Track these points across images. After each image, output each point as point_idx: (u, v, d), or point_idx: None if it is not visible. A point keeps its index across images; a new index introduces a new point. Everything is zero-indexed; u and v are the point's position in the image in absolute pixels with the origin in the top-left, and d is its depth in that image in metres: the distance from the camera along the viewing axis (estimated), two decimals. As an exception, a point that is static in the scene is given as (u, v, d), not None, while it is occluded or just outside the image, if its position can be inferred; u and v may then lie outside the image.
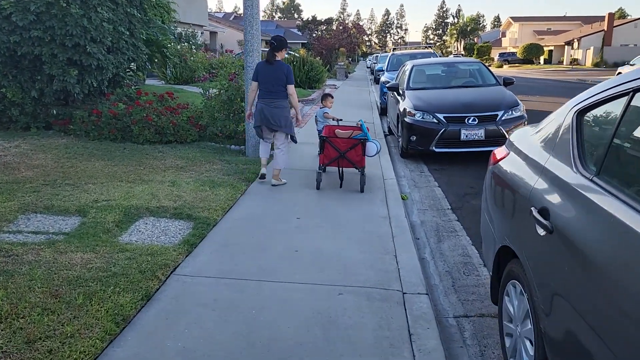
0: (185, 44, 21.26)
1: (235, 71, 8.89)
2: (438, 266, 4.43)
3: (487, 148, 8.10)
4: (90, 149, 7.26)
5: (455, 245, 4.88)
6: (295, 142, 6.68)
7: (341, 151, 6.14)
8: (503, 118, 8.15)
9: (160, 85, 16.08)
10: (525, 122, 8.29)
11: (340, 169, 6.33)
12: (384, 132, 11.93)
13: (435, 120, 8.21)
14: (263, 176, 6.33)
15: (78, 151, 7.07)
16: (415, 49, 24.06)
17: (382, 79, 15.74)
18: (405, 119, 8.54)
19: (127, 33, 8.15)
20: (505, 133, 8.02)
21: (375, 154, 6.40)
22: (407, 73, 9.84)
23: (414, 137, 8.39)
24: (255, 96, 6.24)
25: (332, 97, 8.06)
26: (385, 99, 15.14)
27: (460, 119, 8.13)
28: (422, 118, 8.33)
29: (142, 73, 15.20)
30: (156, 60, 12.62)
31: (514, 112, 8.29)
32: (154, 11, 25.45)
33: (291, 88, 6.02)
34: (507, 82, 9.44)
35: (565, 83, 31.81)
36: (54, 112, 8.04)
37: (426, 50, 17.74)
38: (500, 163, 3.18)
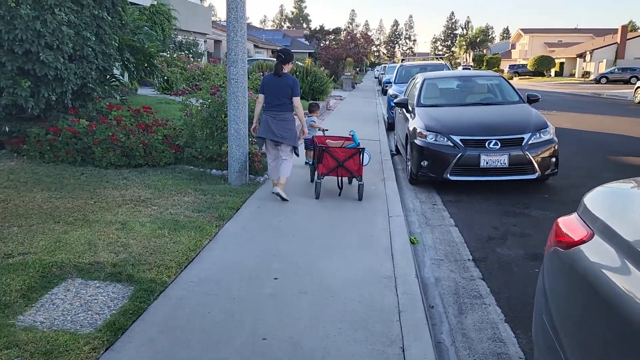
0: (183, 52, 20.23)
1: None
2: (461, 357, 3.23)
3: (511, 177, 6.92)
4: (40, 174, 6.13)
5: (482, 321, 3.67)
6: (297, 155, 6.44)
7: (340, 160, 6.23)
8: (530, 142, 6.94)
9: (153, 95, 15.01)
10: (556, 147, 7.10)
11: (340, 178, 6.46)
12: (391, 151, 10.75)
13: (451, 144, 7.02)
14: (277, 193, 6.07)
15: (23, 177, 5.93)
16: (425, 59, 22.90)
17: (390, 91, 14.58)
18: (416, 141, 7.36)
19: (94, 38, 7.03)
20: (533, 159, 6.82)
21: (367, 163, 6.52)
22: (418, 87, 8.67)
23: (425, 163, 7.20)
24: (261, 109, 6.16)
25: (319, 106, 8.13)
26: (392, 113, 13.98)
27: (479, 142, 6.94)
28: (435, 140, 7.15)
29: (131, 83, 14.21)
30: (144, 69, 11.52)
31: (542, 134, 7.09)
32: (155, 18, 24.53)
33: (297, 100, 5.97)
34: (532, 99, 8.24)
35: (580, 97, 30.55)
36: (6, 129, 6.92)
37: (437, 61, 16.61)
38: (577, 250, 1.96)
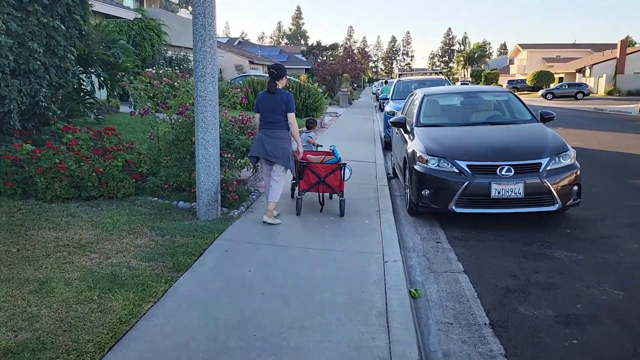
0: (169, 69, 19.34)
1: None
2: None
3: (527, 209, 5.94)
4: (-35, 211, 5.14)
5: None
6: (294, 176, 6.31)
7: (321, 176, 6.17)
8: (548, 168, 5.97)
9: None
10: (578, 173, 6.13)
11: (321, 194, 6.43)
12: (388, 174, 9.77)
13: (456, 170, 6.04)
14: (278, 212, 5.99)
15: (-58, 216, 4.94)
16: (424, 74, 21.94)
17: (387, 108, 13.66)
18: (415, 167, 6.38)
19: (42, 50, 6.07)
20: (552, 188, 5.85)
21: (348, 178, 6.44)
22: (417, 104, 7.71)
23: (427, 192, 6.21)
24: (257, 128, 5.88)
25: (317, 123, 7.97)
26: (389, 131, 13.04)
27: (489, 168, 5.96)
28: (438, 166, 6.17)
29: (109, 100, 13.26)
30: (119, 85, 10.59)
31: (562, 159, 6.12)
32: (144, 33, 23.58)
33: (291, 116, 5.70)
34: (546, 118, 7.29)
35: (582, 112, 29.72)
36: None
37: (437, 76, 15.70)
38: None
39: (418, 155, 6.43)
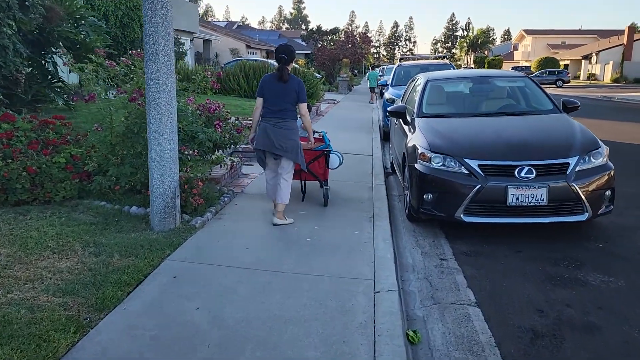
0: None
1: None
2: None
3: (551, 219, 4.93)
4: None
5: None
6: (306, 171, 5.67)
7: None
8: (577, 169, 4.93)
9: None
10: (612, 174, 5.10)
11: (303, 181, 6.11)
12: (385, 169, 8.75)
13: (465, 171, 5.01)
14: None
15: None
16: (427, 59, 20.50)
17: (386, 95, 12.57)
18: (417, 166, 5.35)
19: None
20: (581, 194, 4.82)
21: (337, 167, 6.17)
22: (419, 91, 6.64)
23: (430, 196, 5.19)
24: (260, 115, 5.15)
25: (310, 108, 7.29)
26: (389, 120, 11.98)
27: (506, 169, 4.93)
28: (444, 166, 5.14)
29: (81, 84, 12.17)
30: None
31: (593, 158, 5.08)
32: (132, 14, 22.45)
33: (303, 107, 5.15)
34: (570, 107, 6.23)
35: (591, 100, 28.52)
36: None
37: (441, 61, 14.55)
38: None
39: (420, 151, 5.39)
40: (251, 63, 18.28)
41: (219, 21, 78.15)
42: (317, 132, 6.70)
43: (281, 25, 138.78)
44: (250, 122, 5.54)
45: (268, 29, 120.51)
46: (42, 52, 8.83)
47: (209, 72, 5.82)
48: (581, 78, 60.92)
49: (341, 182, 7.12)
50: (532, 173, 4.86)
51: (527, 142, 5.21)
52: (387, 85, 13.83)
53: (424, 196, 5.25)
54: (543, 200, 4.81)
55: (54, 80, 9.90)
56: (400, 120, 6.78)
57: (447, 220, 5.19)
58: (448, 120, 6.00)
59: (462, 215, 5.01)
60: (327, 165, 5.91)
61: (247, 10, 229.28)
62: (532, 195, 4.81)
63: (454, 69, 13.18)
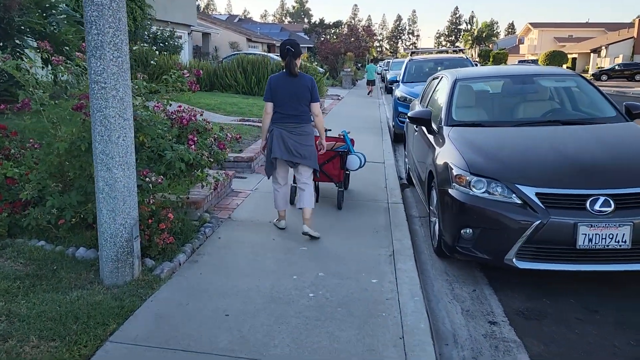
0: (146, 45, 16.98)
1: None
2: None
3: (636, 266, 3.69)
4: None
5: None
6: (318, 176, 5.46)
7: (318, 164, 4.97)
8: (669, 199, 3.70)
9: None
10: None
11: (317, 183, 5.72)
12: (400, 179, 7.53)
13: (518, 201, 3.79)
14: (282, 228, 4.89)
15: None
16: (438, 53, 18.85)
17: (397, 93, 11.32)
18: (452, 192, 4.12)
19: None
20: (675, 233, 3.58)
21: (357, 168, 5.87)
22: (447, 93, 5.39)
23: (470, 232, 3.97)
24: (269, 121, 4.68)
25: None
26: (401, 121, 10.73)
27: (575, 200, 3.70)
28: (488, 193, 3.91)
29: (56, 82, 10.96)
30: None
31: (685, 184, 3.84)
32: (126, 7, 21.27)
33: (317, 107, 4.68)
34: (636, 113, 4.99)
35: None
36: None
37: (456, 55, 13.22)
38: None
39: (455, 172, 4.15)
40: (250, 57, 17.02)
41: (220, 14, 76.67)
42: (327, 130, 6.26)
43: (283, 18, 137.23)
44: (249, 124, 4.48)
45: (270, 22, 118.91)
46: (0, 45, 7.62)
47: (185, 71, 4.58)
48: (589, 72, 59.46)
49: (352, 202, 5.90)
50: (609, 205, 3.63)
51: (599, 162, 3.97)
52: (397, 81, 12.56)
53: (462, 232, 4.03)
54: (625, 242, 3.58)
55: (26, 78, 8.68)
56: (423, 128, 5.54)
57: (494, 264, 3.98)
58: (486, 131, 4.76)
59: (514, 259, 3.79)
60: (342, 167, 5.53)
61: (249, 4, 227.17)
62: (611, 236, 3.58)
63: (472, 64, 11.90)
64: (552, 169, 3.91)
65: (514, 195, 3.82)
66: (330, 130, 6.69)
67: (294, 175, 4.98)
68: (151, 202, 3.69)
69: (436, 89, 6.24)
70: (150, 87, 4.47)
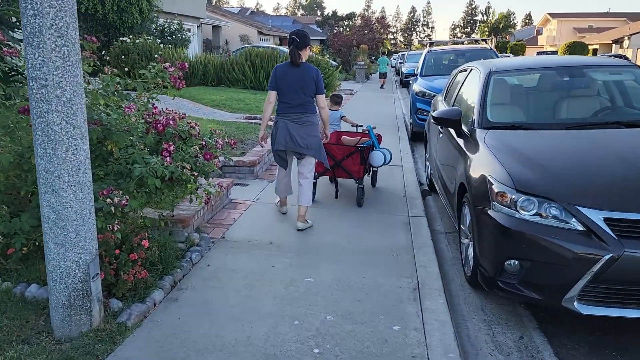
0: (150, 38, 16.28)
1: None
2: None
3: None
4: None
5: None
6: (327, 167, 5.17)
7: (337, 159, 5.33)
8: None
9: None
10: None
11: (335, 178, 5.64)
12: (420, 183, 6.74)
13: (580, 227, 2.97)
14: (284, 213, 4.99)
15: None
16: (454, 44, 17.51)
17: (415, 87, 10.45)
18: (492, 213, 3.31)
19: None
20: None
21: (382, 165, 5.70)
22: (480, 89, 4.54)
23: (516, 265, 3.17)
24: (272, 110, 4.67)
25: (342, 98, 6.98)
26: (419, 118, 9.89)
27: (655, 227, 2.88)
28: (540, 216, 3.10)
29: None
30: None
31: None
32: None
33: (322, 99, 4.64)
34: None
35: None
36: None
37: (479, 46, 12.25)
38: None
39: (496, 189, 3.34)
40: (258, 50, 16.21)
41: (232, 8, 75.93)
42: (358, 126, 6.50)
43: (296, 11, 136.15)
44: (255, 122, 4.29)
45: (282, 14, 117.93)
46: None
47: (168, 64, 3.80)
48: (612, 63, 57.74)
49: (368, 215, 5.12)
50: (703, 235, 2.80)
51: (684, 177, 3.13)
52: (415, 75, 11.69)
53: (506, 264, 3.22)
54: None
55: (12, 74, 8.00)
56: (451, 130, 4.72)
57: (547, 306, 3.17)
58: (531, 135, 3.93)
59: (575, 302, 2.98)
60: (363, 163, 5.33)
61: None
62: None
63: (496, 55, 10.98)
64: (624, 186, 3.08)
65: (574, 219, 3.00)
66: (361, 126, 6.55)
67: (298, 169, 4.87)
68: (115, 229, 2.93)
69: (464, 84, 5.40)
70: (124, 84, 3.71)
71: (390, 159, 5.79)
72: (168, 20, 22.29)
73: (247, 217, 4.95)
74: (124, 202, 2.88)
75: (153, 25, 21.62)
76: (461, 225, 4.14)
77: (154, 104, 4.04)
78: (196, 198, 3.99)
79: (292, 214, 5.06)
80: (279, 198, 5.08)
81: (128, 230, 3.29)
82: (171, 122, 3.30)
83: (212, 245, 4.18)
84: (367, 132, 5.89)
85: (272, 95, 4.61)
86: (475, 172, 3.74)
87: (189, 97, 12.89)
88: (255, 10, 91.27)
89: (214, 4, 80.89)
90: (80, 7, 18.97)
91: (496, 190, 3.33)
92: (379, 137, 5.97)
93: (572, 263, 2.94)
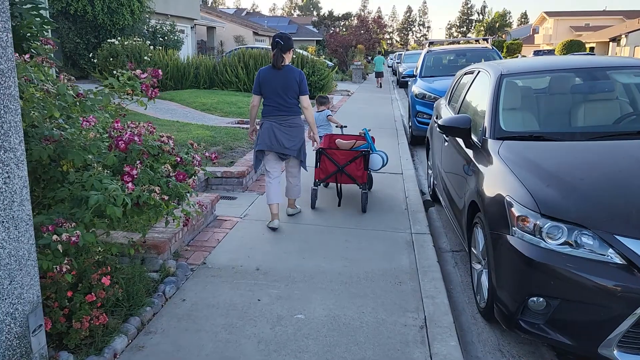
0: (139, 39, 15.77)
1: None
2: None
3: None
4: None
5: None
6: (306, 170, 5.08)
7: (339, 165, 5.19)
8: None
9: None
10: None
11: (339, 184, 5.43)
12: (422, 193, 6.28)
13: (618, 261, 2.50)
14: (274, 229, 4.71)
15: None
16: (454, 43, 16.74)
17: (415, 89, 9.97)
18: (512, 240, 2.83)
19: None
20: None
21: (380, 168, 5.66)
22: (491, 94, 4.05)
23: (542, 303, 2.69)
24: (257, 112, 4.83)
25: (329, 99, 6.86)
26: (419, 121, 9.42)
27: None
28: (570, 245, 2.62)
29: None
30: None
31: None
32: None
33: (306, 100, 4.70)
34: None
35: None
36: None
37: (480, 46, 11.78)
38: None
39: (517, 213, 2.86)
40: (252, 51, 15.72)
41: (227, 9, 75.37)
42: (343, 127, 6.41)
43: (292, 12, 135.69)
44: (247, 127, 4.23)
45: (278, 14, 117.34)
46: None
47: (139, 71, 3.31)
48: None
49: (366, 230, 4.63)
50: None
51: None
52: (414, 76, 11.21)
53: (529, 300, 2.74)
54: None
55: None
56: (460, 140, 4.24)
57: (580, 353, 2.68)
58: (552, 147, 3.44)
59: (615, 350, 2.50)
60: (366, 168, 5.20)
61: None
62: None
63: (499, 56, 10.51)
64: (672, 210, 2.60)
65: (611, 251, 2.53)
66: (346, 127, 6.47)
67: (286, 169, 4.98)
68: (64, 270, 2.43)
69: (471, 88, 4.92)
70: (95, 93, 3.22)
71: (387, 161, 5.73)
72: (160, 22, 21.78)
73: (232, 237, 4.46)
74: (74, 239, 2.39)
75: (145, 27, 21.13)
76: (472, 248, 3.66)
77: (124, 115, 3.55)
78: (173, 220, 3.49)
79: (282, 231, 4.58)
80: (270, 211, 4.75)
81: (85, 265, 2.80)
82: (136, 138, 2.82)
83: (191, 273, 3.69)
84: (362, 134, 5.81)
85: (256, 99, 4.75)
86: (489, 190, 3.25)
87: (180, 101, 12.40)
88: (252, 11, 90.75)
89: (209, 5, 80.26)
90: (69, 9, 18.45)
91: (517, 214, 2.85)
92: (372, 139, 5.85)
93: (611, 303, 2.47)
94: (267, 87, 4.60)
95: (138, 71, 3.40)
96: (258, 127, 4.84)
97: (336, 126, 6.41)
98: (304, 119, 4.84)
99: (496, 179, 3.26)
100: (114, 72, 3.45)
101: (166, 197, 2.86)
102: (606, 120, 3.83)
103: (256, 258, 4.00)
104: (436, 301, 3.41)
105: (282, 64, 4.58)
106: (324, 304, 3.31)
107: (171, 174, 3.03)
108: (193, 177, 3.35)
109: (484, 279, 3.33)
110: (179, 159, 3.30)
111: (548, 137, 3.60)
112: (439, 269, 3.95)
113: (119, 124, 2.91)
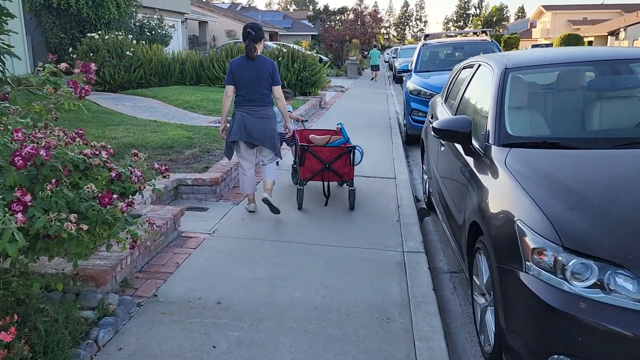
0: (121, 34, 15.08)
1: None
2: None
3: None
4: None
5: None
6: (281, 158, 5.08)
7: (326, 162, 5.04)
8: None
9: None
10: None
11: (326, 183, 5.24)
12: (416, 199, 5.69)
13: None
14: (252, 212, 4.95)
15: None
16: (452, 36, 15.92)
17: (409, 85, 9.34)
18: (525, 280, 2.22)
19: None
20: None
21: (359, 163, 5.43)
22: (495, 91, 3.43)
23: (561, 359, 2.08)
24: (230, 104, 4.77)
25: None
26: (414, 119, 8.81)
27: None
28: (602, 290, 2.00)
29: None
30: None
31: None
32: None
33: (278, 90, 4.75)
34: None
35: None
36: None
37: (479, 38, 11.15)
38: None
39: (532, 244, 2.25)
40: (240, 46, 15.05)
41: (222, 3, 74.47)
42: (304, 122, 6.32)
43: (288, 6, 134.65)
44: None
45: (273, 9, 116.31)
46: None
47: (63, 65, 2.68)
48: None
49: (351, 247, 4.01)
50: None
51: None
52: (409, 71, 10.58)
53: (550, 359, 2.13)
54: None
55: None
56: (459, 146, 3.62)
57: None
58: (572, 157, 2.83)
59: None
60: (352, 164, 5.11)
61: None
62: None
63: (498, 48, 9.88)
64: None
65: (659, 301, 1.92)
66: (306, 121, 6.47)
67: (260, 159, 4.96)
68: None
69: (470, 84, 4.30)
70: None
71: (362, 155, 5.61)
72: (148, 15, 21.06)
73: (195, 260, 3.84)
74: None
75: (132, 21, 20.40)
76: (474, 277, 3.05)
77: (56, 118, 2.93)
78: (117, 242, 2.86)
79: (255, 249, 3.96)
80: (247, 197, 5.03)
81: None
82: (42, 152, 2.19)
83: (137, 310, 3.07)
84: (339, 129, 5.73)
85: (230, 89, 4.68)
86: (495, 211, 2.65)
87: (162, 98, 11.75)
88: (248, 5, 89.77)
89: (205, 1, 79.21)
90: (52, 2, 17.74)
91: (532, 246, 2.25)
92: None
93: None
94: (240, 78, 4.60)
95: (63, 65, 2.78)
96: (228, 125, 4.82)
97: (296, 120, 6.26)
98: (276, 110, 4.92)
99: (503, 198, 2.65)
100: (54, 67, 2.82)
101: (85, 227, 2.24)
102: (632, 123, 3.21)
103: (219, 288, 3.39)
104: (431, 346, 2.80)
105: (255, 53, 4.59)
106: (293, 352, 2.70)
107: (97, 195, 2.41)
108: (132, 195, 2.73)
109: (489, 317, 2.73)
110: (113, 175, 2.68)
111: (565, 144, 2.98)
112: (434, 300, 3.34)
113: (19, 134, 2.27)
